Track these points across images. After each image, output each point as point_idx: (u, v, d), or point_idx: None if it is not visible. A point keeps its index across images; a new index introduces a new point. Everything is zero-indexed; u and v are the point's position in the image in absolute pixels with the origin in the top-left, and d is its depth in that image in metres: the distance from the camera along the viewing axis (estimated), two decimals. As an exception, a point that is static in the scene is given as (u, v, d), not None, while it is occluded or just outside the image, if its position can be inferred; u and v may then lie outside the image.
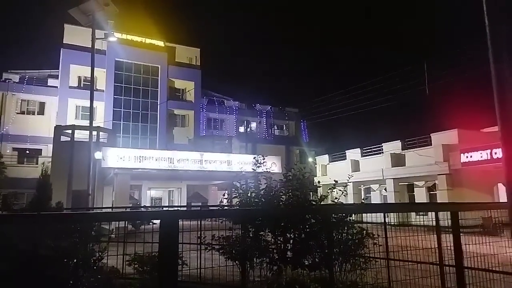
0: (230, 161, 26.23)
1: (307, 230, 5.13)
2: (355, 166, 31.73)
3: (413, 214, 19.73)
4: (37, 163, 30.44)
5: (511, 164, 1.71)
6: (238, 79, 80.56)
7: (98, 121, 29.42)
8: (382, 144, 30.42)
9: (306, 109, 43.36)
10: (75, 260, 4.56)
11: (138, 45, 36.01)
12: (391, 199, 27.46)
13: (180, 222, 2.44)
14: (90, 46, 15.47)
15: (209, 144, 33.06)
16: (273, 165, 20.12)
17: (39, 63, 38.36)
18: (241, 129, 42.77)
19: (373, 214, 5.62)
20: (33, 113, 33.13)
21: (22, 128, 31.43)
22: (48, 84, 33.90)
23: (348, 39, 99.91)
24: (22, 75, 34.22)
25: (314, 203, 5.65)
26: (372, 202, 28.50)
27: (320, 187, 6.67)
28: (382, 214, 6.06)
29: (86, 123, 20.40)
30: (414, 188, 27.30)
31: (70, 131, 23.95)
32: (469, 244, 4.50)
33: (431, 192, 26.04)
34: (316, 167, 37.08)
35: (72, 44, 32.35)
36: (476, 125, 25.93)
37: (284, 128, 46.49)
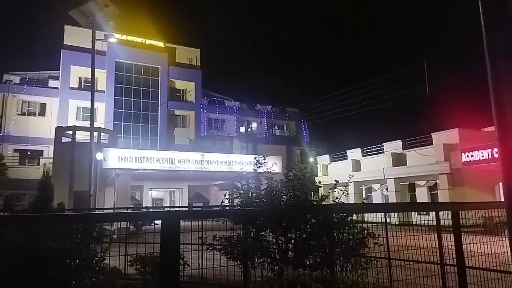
0: (231, 162, 26.25)
1: (308, 230, 5.13)
2: (356, 166, 31.72)
3: (414, 213, 19.71)
4: (38, 164, 30.49)
5: (508, 164, 1.72)
6: (238, 80, 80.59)
7: (99, 122, 29.43)
8: (383, 143, 30.42)
9: (307, 109, 43.40)
10: (77, 261, 4.57)
11: (138, 45, 36.04)
12: (392, 199, 27.44)
13: (182, 223, 2.45)
14: (91, 47, 15.50)
15: (210, 145, 33.08)
16: (274, 165, 20.16)
17: (40, 64, 38.38)
18: (242, 129, 42.77)
19: (374, 214, 5.63)
20: (34, 114, 33.17)
21: (23, 129, 31.46)
22: (49, 85, 33.95)
23: (349, 38, 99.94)
24: (23, 77, 34.26)
25: (315, 203, 5.65)
26: (373, 202, 28.51)
27: (321, 187, 6.67)
28: (383, 214, 6.06)
29: (87, 124, 20.45)
30: (416, 188, 27.28)
31: (71, 132, 23.98)
32: (470, 244, 4.50)
33: (433, 192, 26.02)
34: (317, 167, 37.08)
35: (73, 45, 32.38)
36: (477, 124, 25.92)
37: (285, 128, 46.48)
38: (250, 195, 6.00)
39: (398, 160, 28.06)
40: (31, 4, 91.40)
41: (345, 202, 7.03)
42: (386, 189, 28.94)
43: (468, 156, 22.73)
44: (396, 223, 7.04)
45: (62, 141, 24.52)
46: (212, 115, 40.91)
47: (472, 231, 4.93)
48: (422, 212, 16.06)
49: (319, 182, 7.06)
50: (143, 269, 6.06)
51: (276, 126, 45.53)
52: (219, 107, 41.64)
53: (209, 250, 6.00)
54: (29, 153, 31.77)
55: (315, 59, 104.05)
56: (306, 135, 46.85)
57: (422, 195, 26.44)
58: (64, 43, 33.43)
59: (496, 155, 20.69)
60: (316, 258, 4.98)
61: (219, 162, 26.28)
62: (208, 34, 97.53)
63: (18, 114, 32.23)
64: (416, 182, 27.06)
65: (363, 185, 31.39)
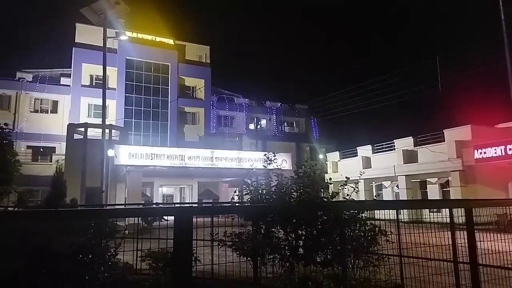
0: (241, 158, 26.32)
1: (319, 226, 5.12)
2: (366, 163, 31.51)
3: (425, 211, 19.55)
4: (50, 161, 30.95)
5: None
6: (248, 76, 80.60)
7: (110, 119, 29.73)
8: (394, 140, 30.14)
9: (316, 105, 43.07)
10: (90, 256, 4.64)
11: (149, 43, 36.25)
12: (403, 196, 27.20)
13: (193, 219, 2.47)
14: (102, 45, 15.63)
15: (219, 142, 33.18)
16: (283, 162, 20.14)
17: (52, 62, 38.89)
18: (251, 126, 42.80)
19: (385, 211, 5.59)
20: (47, 112, 33.63)
21: (35, 126, 31.94)
22: (61, 83, 34.35)
23: (360, 34, 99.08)
24: (35, 74, 34.76)
25: (325, 200, 5.64)
26: (383, 199, 28.29)
27: (331, 184, 6.64)
28: (395, 211, 6.01)
29: (98, 121, 20.66)
30: (427, 185, 27.00)
31: (83, 129, 24.29)
32: (483, 241, 4.45)
33: (444, 189, 25.73)
34: (326, 164, 36.93)
35: (84, 43, 32.71)
36: (489, 120, 25.56)
37: (294, 125, 46.38)
38: (260, 191, 6.01)
39: (409, 157, 27.79)
40: (43, 3, 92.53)
41: (356, 199, 6.99)
42: (397, 186, 28.70)
43: (480, 153, 22.42)
44: (407, 220, 6.99)
45: (74, 138, 24.85)
46: (221, 112, 41.01)
47: (485, 228, 4.87)
48: (433, 210, 15.90)
49: (330, 179, 7.01)
50: (155, 265, 6.13)
51: (285, 123, 45.45)
52: (228, 104, 41.70)
53: (220, 246, 6.03)
54: (41, 149, 32.25)
55: (325, 55, 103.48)
56: (316, 131, 46.68)
57: (433, 193, 26.17)
58: (75, 41, 33.80)
59: (510, 152, 20.39)
60: (327, 255, 4.97)
61: (229, 159, 26.37)
62: (217, 31, 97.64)
63: (31, 112, 32.72)
64: (427, 179, 26.77)
65: (373, 182, 31.18)
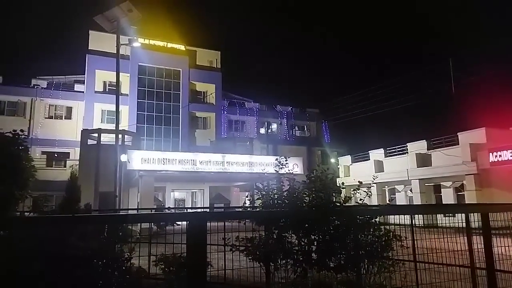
0: (252, 163, 26.33)
1: (332, 231, 5.09)
2: (379, 167, 31.20)
3: (439, 215, 19.26)
4: (65, 166, 31.44)
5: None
6: (258, 81, 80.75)
7: (123, 124, 30.09)
8: (407, 144, 29.80)
9: (327, 109, 43.00)
10: (104, 261, 4.68)
11: (160, 49, 36.68)
12: (417, 200, 26.85)
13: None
14: (115, 52, 15.88)
15: (230, 146, 33.27)
16: (295, 166, 20.08)
17: (66, 69, 39.50)
18: (262, 130, 42.82)
19: (399, 215, 5.53)
20: (61, 118, 34.21)
21: (50, 132, 32.52)
22: (75, 89, 34.96)
23: (371, 37, 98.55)
24: (50, 81, 35.43)
25: (338, 204, 5.60)
26: (397, 204, 27.96)
27: (344, 188, 6.60)
28: (409, 216, 5.94)
29: (111, 126, 20.96)
30: (441, 189, 26.61)
31: (96, 135, 24.62)
32: (500, 247, 4.37)
33: (459, 193, 25.33)
34: (338, 168, 36.69)
35: (97, 50, 33.27)
36: (504, 123, 25.10)
37: (305, 129, 46.23)
38: (272, 196, 6.00)
39: (423, 160, 27.44)
40: (57, 11, 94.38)
41: (368, 204, 6.93)
42: (410, 190, 28.34)
43: (496, 156, 22.04)
44: (421, 225, 6.90)
45: (88, 143, 25.19)
46: (232, 116, 41.14)
47: (501, 233, 4.78)
48: (447, 214, 15.67)
49: (342, 183, 6.96)
50: (168, 269, 6.15)
51: (296, 127, 45.35)
52: (239, 108, 41.83)
53: (233, 251, 6.03)
54: (56, 155, 32.79)
55: (335, 59, 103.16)
56: (327, 135, 46.45)
57: (448, 197, 25.77)
58: (89, 48, 34.40)
59: (526, 155, 19.98)
60: (340, 260, 4.93)
61: (240, 163, 26.40)
62: (228, 36, 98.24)
63: (45, 118, 33.31)
64: (441, 183, 26.39)
65: (386, 186, 30.84)
